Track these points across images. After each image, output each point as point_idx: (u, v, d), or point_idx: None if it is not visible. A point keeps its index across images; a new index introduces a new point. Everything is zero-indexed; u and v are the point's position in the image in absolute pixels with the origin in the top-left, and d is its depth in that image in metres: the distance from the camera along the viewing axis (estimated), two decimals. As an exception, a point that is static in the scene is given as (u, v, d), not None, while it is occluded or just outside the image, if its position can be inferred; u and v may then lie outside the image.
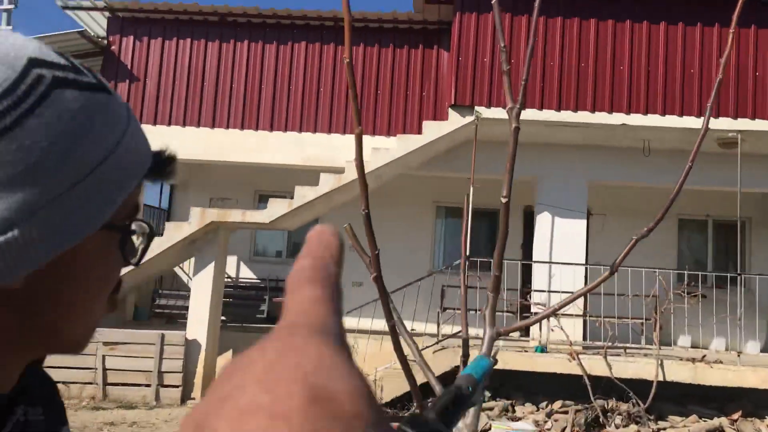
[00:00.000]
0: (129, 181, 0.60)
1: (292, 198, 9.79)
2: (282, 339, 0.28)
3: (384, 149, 9.97)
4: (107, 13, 11.16)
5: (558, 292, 9.99)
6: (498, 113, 9.81)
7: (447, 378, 9.52)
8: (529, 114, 9.60)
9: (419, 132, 10.27)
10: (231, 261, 13.29)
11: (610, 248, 9.48)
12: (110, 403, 9.32)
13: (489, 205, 13.31)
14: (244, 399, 0.25)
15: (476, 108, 9.87)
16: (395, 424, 0.55)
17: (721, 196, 11.13)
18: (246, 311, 12.26)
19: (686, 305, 9.59)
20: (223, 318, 12.24)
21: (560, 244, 10.50)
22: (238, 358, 0.28)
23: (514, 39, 9.71)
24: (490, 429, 8.25)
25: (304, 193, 9.72)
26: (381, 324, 9.44)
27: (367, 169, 10.05)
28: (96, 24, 11.55)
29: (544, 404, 9.31)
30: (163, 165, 0.65)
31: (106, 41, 11.21)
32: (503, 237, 2.11)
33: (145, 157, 0.62)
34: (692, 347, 10.50)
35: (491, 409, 9.14)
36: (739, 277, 9.86)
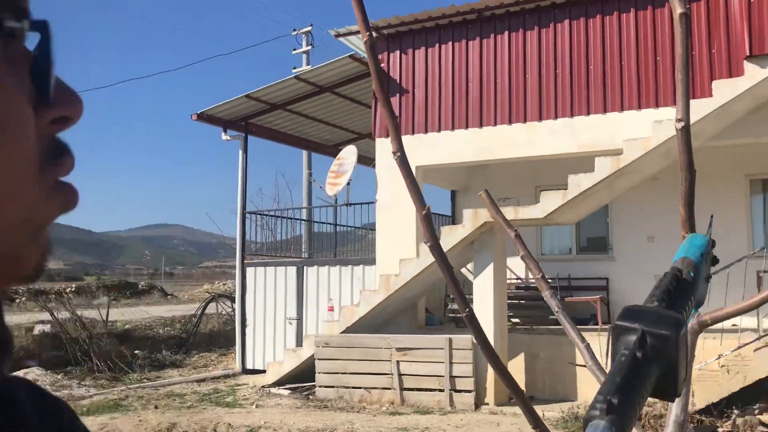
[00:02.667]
0: None
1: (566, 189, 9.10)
2: None
3: (667, 120, 8.75)
4: (374, 33, 11.65)
5: None
6: (812, 55, 7.98)
7: (774, 381, 7.94)
8: None
9: (711, 95, 8.84)
10: (519, 262, 12.91)
11: None
12: (407, 408, 9.54)
13: (819, 170, 11.04)
14: None
15: (780, 54, 8.16)
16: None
17: None
18: (538, 312, 11.75)
19: None
20: (515, 320, 11.91)
21: None
22: None
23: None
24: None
25: (578, 182, 8.96)
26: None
27: (650, 146, 8.95)
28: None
29: None
30: None
31: (375, 60, 11.72)
32: (685, 178, 1.48)
33: None
34: None
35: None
36: None
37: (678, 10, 1.20)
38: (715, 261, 0.72)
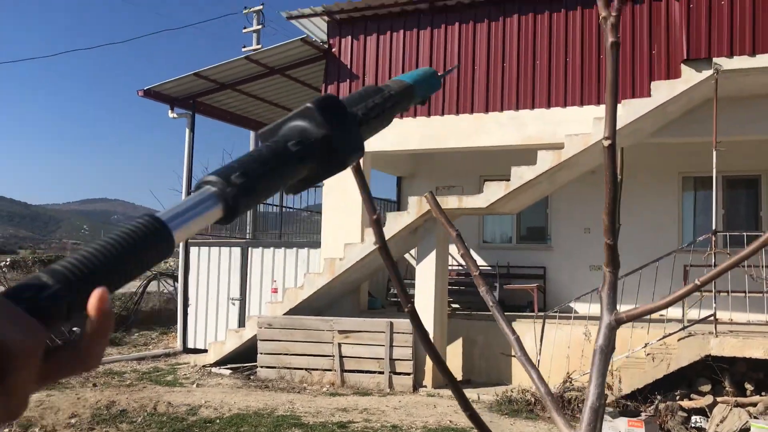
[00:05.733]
0: None
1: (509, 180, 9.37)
2: None
3: (607, 118, 9.08)
4: (326, 18, 11.67)
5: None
6: (743, 62, 8.41)
7: (695, 369, 8.41)
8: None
9: (649, 95, 9.21)
10: (461, 248, 13.20)
11: None
12: (347, 390, 9.72)
13: (746, 171, 11.63)
14: None
15: (714, 60, 8.56)
16: None
17: None
18: (477, 298, 12.06)
19: None
20: (456, 306, 12.20)
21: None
22: None
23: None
24: (749, 429, 7.08)
25: (520, 174, 9.24)
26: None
27: (590, 141, 9.28)
28: (318, 30, 12.16)
29: (825, 401, 7.80)
30: None
31: (327, 45, 11.74)
32: (609, 191, 1.61)
33: None
34: None
35: (754, 404, 7.87)
36: None
37: (610, 39, 1.35)
38: (423, 101, 0.76)
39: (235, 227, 15.27)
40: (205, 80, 12.28)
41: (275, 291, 11.96)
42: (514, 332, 1.78)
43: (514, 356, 1.94)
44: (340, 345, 10.04)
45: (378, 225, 1.28)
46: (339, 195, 11.37)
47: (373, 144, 11.21)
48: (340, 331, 10.07)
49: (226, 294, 12.64)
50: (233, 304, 12.54)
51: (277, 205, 15.54)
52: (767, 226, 11.28)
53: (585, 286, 10.12)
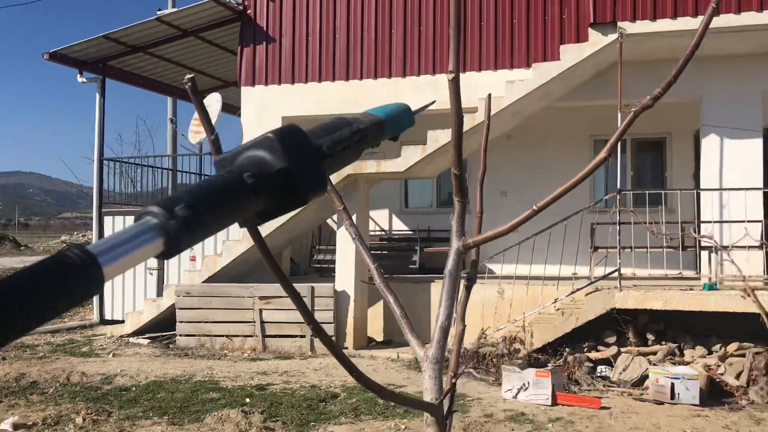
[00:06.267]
0: None
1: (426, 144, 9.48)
2: None
3: (519, 81, 9.29)
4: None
5: (730, 222, 8.82)
6: (645, 27, 8.72)
7: (602, 323, 8.82)
8: (680, 24, 8.43)
9: (559, 59, 9.44)
10: (383, 214, 13.32)
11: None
12: (269, 354, 9.75)
13: (651, 133, 12.12)
14: None
15: (619, 24, 8.84)
16: None
17: None
18: (399, 262, 12.24)
19: None
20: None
21: (732, 168, 9.22)
22: None
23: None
24: (648, 377, 7.50)
25: (436, 137, 9.36)
26: (526, 269, 8.74)
27: (501, 105, 9.47)
28: (233, -9, 11.87)
29: (717, 347, 8.33)
30: None
31: (241, 6, 11.49)
32: (456, 125, 1.67)
33: None
34: None
35: (654, 353, 8.33)
36: None
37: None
38: (395, 137, 0.74)
39: (153, 196, 14.90)
40: (116, 43, 11.84)
41: (193, 259, 11.79)
42: (374, 261, 1.85)
43: (374, 284, 2.01)
44: (261, 311, 10.03)
45: (216, 145, 1.30)
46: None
47: (292, 108, 11.11)
48: (261, 297, 10.05)
49: (143, 264, 12.37)
50: (151, 273, 12.31)
51: (196, 173, 15.24)
52: (672, 185, 11.83)
53: (500, 248, 10.40)
